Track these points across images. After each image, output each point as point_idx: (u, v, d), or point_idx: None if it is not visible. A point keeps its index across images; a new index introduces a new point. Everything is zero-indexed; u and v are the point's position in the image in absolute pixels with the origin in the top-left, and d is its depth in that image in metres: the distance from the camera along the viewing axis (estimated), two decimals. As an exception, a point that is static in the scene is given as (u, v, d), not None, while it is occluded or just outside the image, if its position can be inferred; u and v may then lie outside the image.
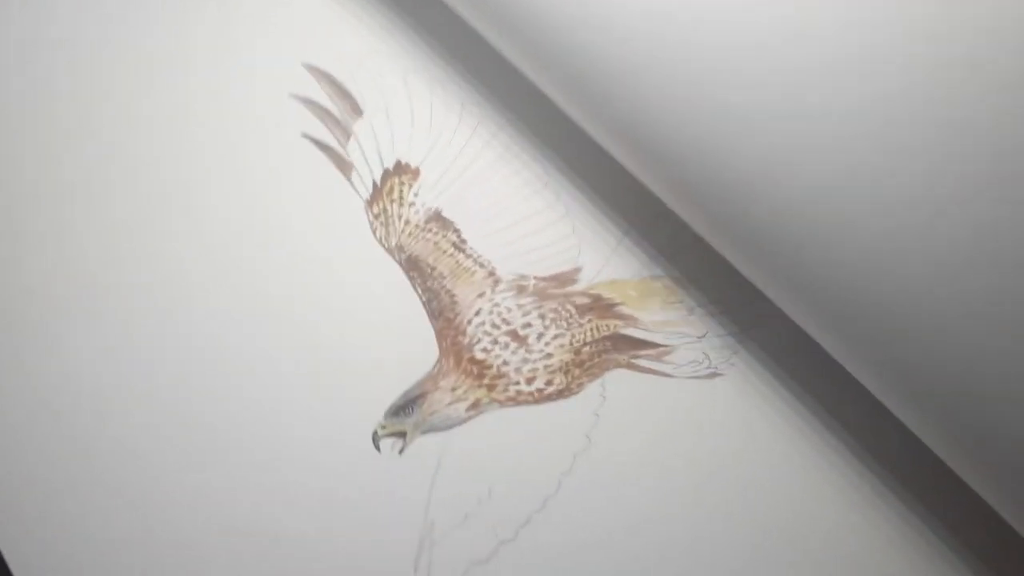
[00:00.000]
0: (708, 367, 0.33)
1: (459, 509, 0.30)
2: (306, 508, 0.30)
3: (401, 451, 0.31)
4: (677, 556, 0.30)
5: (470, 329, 0.34)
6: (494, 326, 0.34)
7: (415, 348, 0.33)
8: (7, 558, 0.26)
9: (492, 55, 0.37)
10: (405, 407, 0.32)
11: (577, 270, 0.36)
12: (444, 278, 0.35)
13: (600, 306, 0.35)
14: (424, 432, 0.32)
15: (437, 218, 0.36)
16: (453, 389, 0.33)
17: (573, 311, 0.35)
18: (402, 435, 0.32)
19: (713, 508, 0.31)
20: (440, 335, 0.34)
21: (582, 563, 0.30)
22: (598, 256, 0.36)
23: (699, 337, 0.34)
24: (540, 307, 0.35)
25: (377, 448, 0.31)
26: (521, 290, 0.35)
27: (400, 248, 0.36)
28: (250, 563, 0.29)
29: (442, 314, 0.34)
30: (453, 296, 0.35)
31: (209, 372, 0.32)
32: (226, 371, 0.32)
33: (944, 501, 0.30)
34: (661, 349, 0.34)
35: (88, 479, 0.30)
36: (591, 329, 0.34)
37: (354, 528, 0.30)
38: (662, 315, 0.35)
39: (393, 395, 0.32)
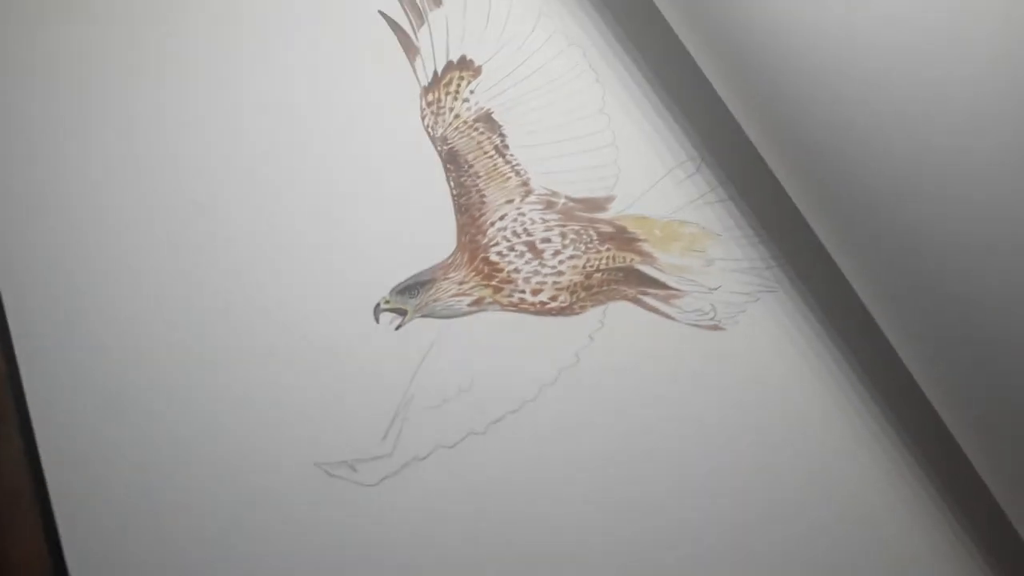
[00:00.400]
0: (712, 319, 0.34)
1: (439, 393, 0.32)
2: (300, 362, 0.32)
3: (398, 327, 0.33)
4: (634, 488, 0.31)
5: (491, 231, 0.35)
6: (514, 233, 0.35)
7: (434, 236, 0.34)
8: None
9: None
10: (412, 288, 0.33)
11: (609, 199, 0.36)
12: (479, 177, 0.36)
13: (622, 238, 0.35)
14: (423, 316, 0.33)
15: (486, 119, 0.37)
16: (461, 283, 0.34)
17: (594, 236, 0.35)
18: (403, 313, 0.33)
19: (678, 451, 0.31)
20: (461, 229, 0.35)
21: (542, 471, 0.31)
22: (633, 189, 0.36)
23: (711, 289, 0.34)
24: (564, 225, 0.35)
25: (376, 319, 0.33)
26: (549, 205, 0.35)
27: (444, 139, 0.36)
28: (230, 404, 0.31)
29: (468, 211, 0.35)
30: (483, 196, 0.35)
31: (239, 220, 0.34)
32: (253, 223, 0.34)
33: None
34: (671, 291, 0.34)
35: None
36: (608, 257, 0.34)
37: (337, 388, 0.31)
38: (681, 260, 0.35)
39: (403, 274, 0.33)
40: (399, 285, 0.33)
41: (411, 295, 0.33)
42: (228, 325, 0.32)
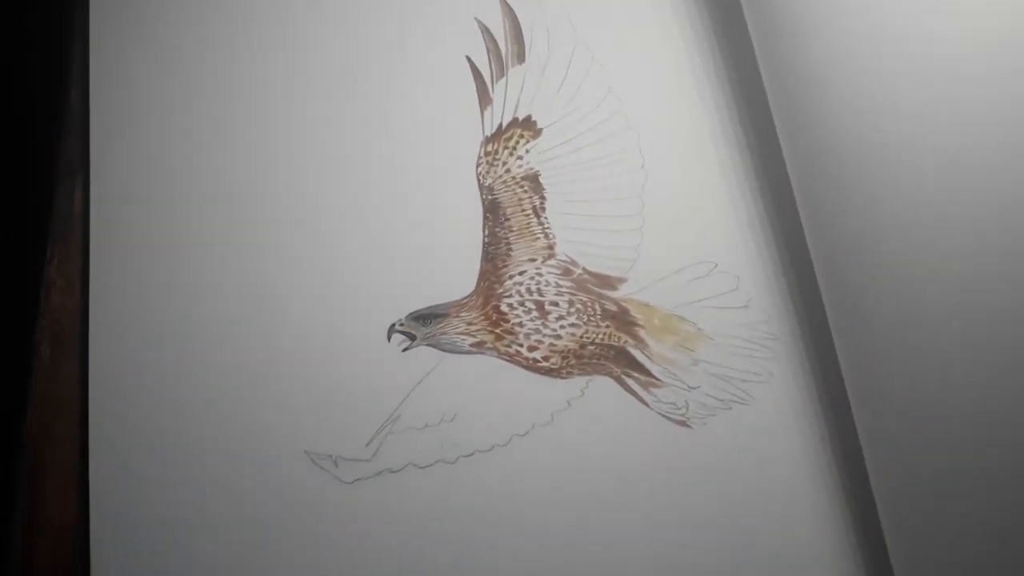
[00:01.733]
0: (683, 414, 0.37)
1: (423, 417, 0.36)
2: (311, 360, 0.36)
3: (405, 349, 0.37)
4: (568, 553, 0.34)
5: (508, 283, 0.38)
6: (528, 291, 0.38)
7: (458, 275, 0.38)
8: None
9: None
10: (427, 317, 0.37)
11: (622, 279, 0.39)
12: (511, 231, 0.39)
13: (623, 319, 0.38)
14: (429, 344, 0.37)
15: (533, 179, 0.40)
16: (469, 323, 0.37)
17: (598, 311, 0.38)
18: (412, 337, 0.37)
19: (626, 526, 0.35)
20: (483, 275, 0.38)
21: (495, 511, 0.34)
22: (647, 276, 0.39)
23: (690, 387, 0.37)
24: (574, 294, 0.39)
25: (388, 337, 0.37)
26: (566, 272, 0.39)
27: (491, 189, 0.40)
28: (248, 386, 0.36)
29: (493, 259, 0.39)
30: (510, 249, 0.39)
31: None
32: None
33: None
34: (652, 380, 0.37)
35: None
36: (605, 334, 0.38)
37: (339, 390, 0.36)
38: (670, 353, 0.38)
39: (420, 302, 0.37)
40: (416, 312, 0.37)
41: (424, 323, 0.37)
42: (255, 324, 0.36)
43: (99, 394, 0.35)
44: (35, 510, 0.32)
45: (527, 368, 0.37)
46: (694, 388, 0.37)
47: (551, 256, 0.39)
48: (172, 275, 0.37)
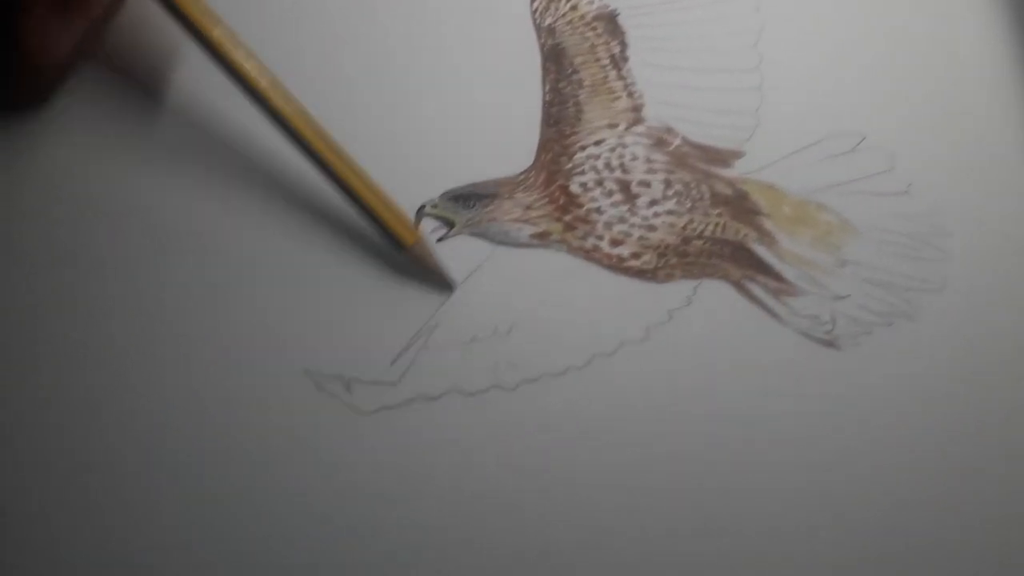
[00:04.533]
0: (828, 332, 0.35)
1: (469, 329, 0.34)
2: (312, 249, 0.34)
3: (440, 239, 0.35)
4: (680, 510, 0.32)
5: (579, 156, 0.36)
6: (608, 166, 0.36)
7: (510, 143, 0.36)
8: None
9: None
10: (468, 198, 0.35)
11: (737, 154, 0.37)
12: (581, 87, 0.38)
13: (741, 206, 0.36)
14: (473, 234, 0.35)
15: (609, 19, 0.39)
16: (528, 208, 0.35)
17: (706, 195, 0.36)
18: (449, 224, 0.35)
19: (737, 468, 0.33)
20: (544, 146, 0.36)
21: (569, 454, 0.32)
22: (770, 150, 0.37)
23: (837, 296, 0.35)
24: (671, 172, 0.37)
25: (416, 223, 0.35)
26: (660, 143, 0.37)
27: (551, 32, 0.38)
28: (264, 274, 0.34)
29: (558, 124, 0.37)
30: (580, 111, 0.37)
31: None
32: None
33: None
34: (785, 286, 0.35)
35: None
36: (716, 225, 0.36)
37: (351, 289, 0.34)
38: (807, 251, 0.36)
39: (462, 178, 0.35)
40: (453, 191, 0.35)
41: (465, 205, 0.35)
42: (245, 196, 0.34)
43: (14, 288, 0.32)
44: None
45: (610, 268, 0.35)
46: (842, 298, 0.36)
47: (637, 121, 0.37)
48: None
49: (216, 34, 0.32)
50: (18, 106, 0.34)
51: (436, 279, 0.34)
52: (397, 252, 0.34)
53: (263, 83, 0.32)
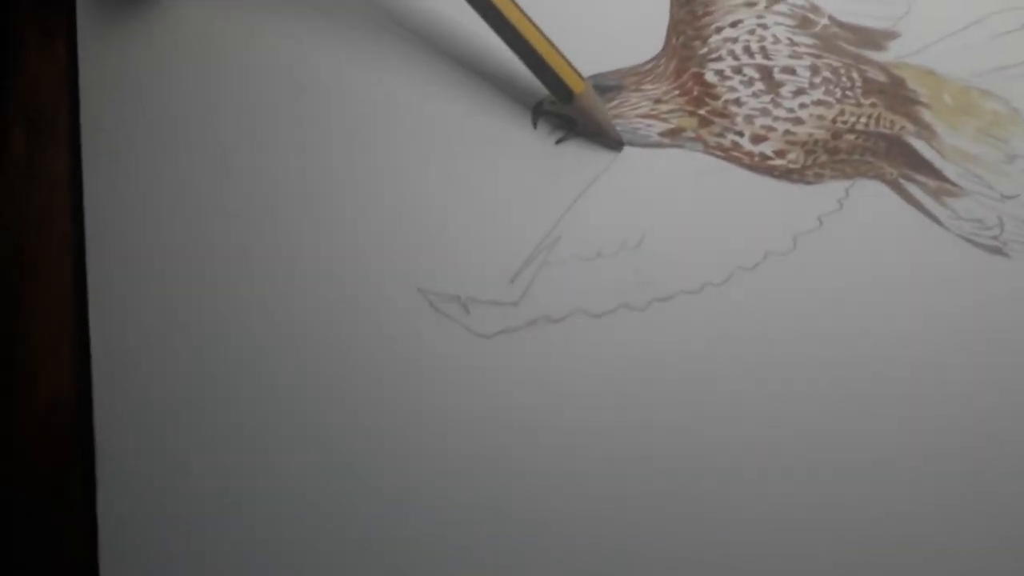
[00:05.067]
0: (995, 236, 0.31)
1: (594, 242, 0.30)
2: (426, 147, 0.31)
3: (559, 141, 0.31)
4: (823, 440, 0.29)
5: (714, 39, 0.32)
6: (747, 51, 0.32)
7: (635, 26, 0.32)
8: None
9: None
10: (589, 92, 0.31)
11: (891, 35, 0.33)
12: (715, -40, 0.33)
13: (896, 94, 0.32)
14: (596, 134, 0.31)
15: None
16: (658, 101, 0.31)
17: (858, 82, 0.32)
18: (570, 124, 0.31)
19: (900, 401, 0.29)
20: (675, 28, 0.32)
21: (708, 382, 0.29)
22: (928, 30, 0.33)
23: (1005, 197, 0.31)
24: (818, 57, 0.32)
25: (533, 123, 0.31)
26: (805, 24, 0.32)
27: None
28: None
29: (689, 3, 0.32)
30: (715, -12, 0.33)
31: None
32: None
33: None
34: (947, 186, 0.31)
35: None
36: (870, 116, 0.32)
37: (462, 199, 0.30)
38: (971, 146, 0.32)
39: (583, 68, 0.31)
40: (573, 84, 0.31)
41: (586, 101, 0.31)
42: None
43: (100, 206, 0.30)
44: (18, 370, 0.28)
45: (753, 168, 0.31)
46: (1011, 198, 0.31)
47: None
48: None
49: None
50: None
51: (602, 134, 0.31)
52: (565, 103, 0.31)
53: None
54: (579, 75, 0.30)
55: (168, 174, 0.30)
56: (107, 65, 0.31)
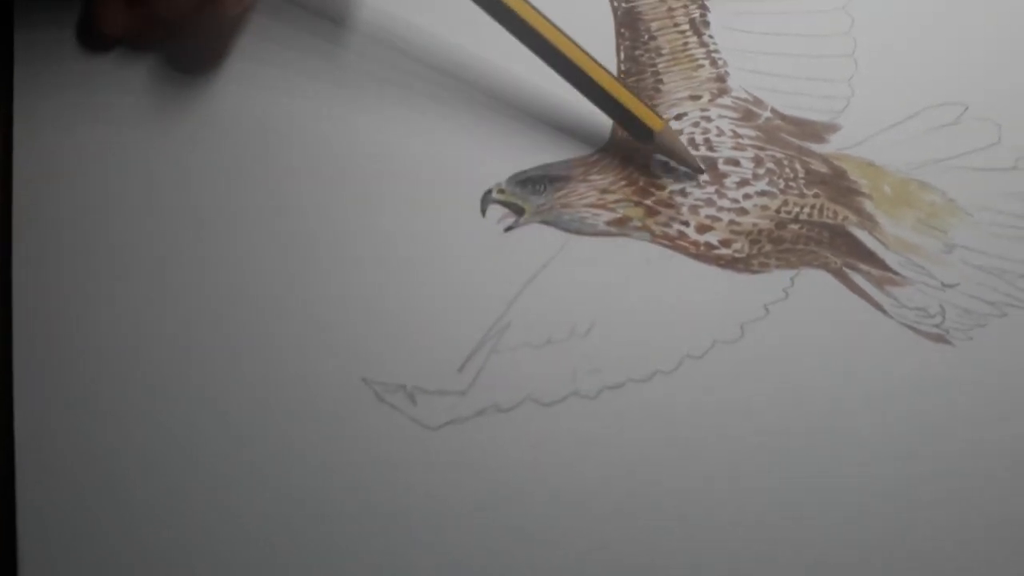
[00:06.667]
0: (937, 325, 0.31)
1: (544, 329, 0.30)
2: (367, 246, 0.30)
3: (508, 229, 0.31)
4: (756, 513, 0.28)
5: (660, 131, 0.32)
6: (692, 143, 0.32)
7: (582, 119, 0.32)
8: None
9: None
10: (537, 181, 0.31)
11: (832, 128, 0.33)
12: (660, 56, 0.33)
13: (839, 185, 0.32)
14: (544, 222, 0.31)
15: (687, -21, 0.34)
16: (604, 191, 0.31)
17: (801, 174, 0.32)
18: (518, 211, 0.31)
19: (857, 502, 0.29)
20: (621, 120, 0.32)
21: (659, 468, 0.28)
22: (868, 123, 0.33)
23: (945, 285, 0.31)
24: (762, 149, 0.32)
25: (482, 211, 0.31)
26: (748, 116, 0.33)
27: (624, -7, 0.34)
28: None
29: (635, 96, 0.32)
30: (660, 82, 0.33)
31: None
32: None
33: None
34: (890, 275, 0.31)
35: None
36: (814, 207, 0.32)
37: (410, 289, 0.30)
38: (912, 235, 0.32)
39: (530, 160, 0.31)
40: (521, 174, 0.31)
41: (535, 191, 0.31)
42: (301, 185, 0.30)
43: (31, 293, 0.28)
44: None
45: (699, 257, 0.31)
46: (950, 286, 0.31)
47: (722, 92, 0.33)
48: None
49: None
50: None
51: (684, 165, 0.32)
52: (644, 142, 0.31)
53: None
54: (657, 114, 0.31)
55: (102, 267, 0.29)
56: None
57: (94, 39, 0.32)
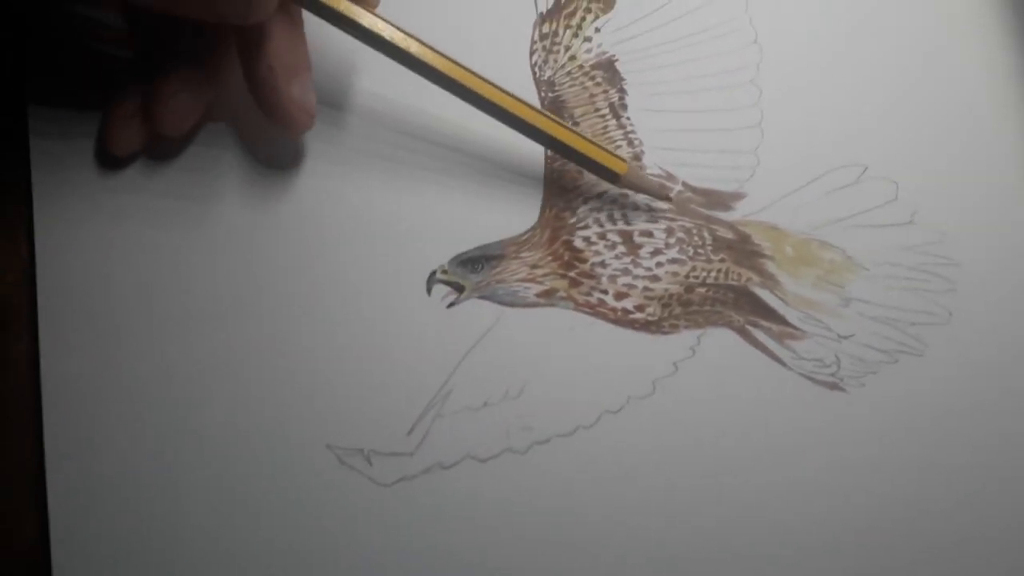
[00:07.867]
0: (833, 374, 0.34)
1: (482, 393, 0.34)
2: (328, 325, 0.34)
3: (450, 305, 0.35)
4: (682, 551, 0.32)
5: (582, 210, 0.36)
6: (610, 219, 0.36)
7: (515, 203, 0.36)
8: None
9: None
10: (476, 261, 0.35)
11: (738, 196, 0.36)
12: (582, 140, 0.37)
13: (743, 249, 0.36)
14: (481, 297, 0.35)
15: (607, 67, 0.38)
16: (533, 267, 0.35)
17: (708, 241, 0.36)
18: (459, 289, 0.35)
19: (763, 541, 0.32)
20: (547, 201, 0.36)
21: (583, 516, 0.32)
22: (771, 189, 0.36)
23: (841, 337, 0.35)
24: (673, 220, 0.36)
25: (428, 290, 0.35)
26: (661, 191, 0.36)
27: (551, 84, 0.37)
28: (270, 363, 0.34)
29: (560, 179, 0.36)
30: (583, 164, 0.36)
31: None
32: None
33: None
34: (789, 330, 0.35)
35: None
36: (720, 271, 0.35)
37: (365, 362, 0.34)
38: (811, 292, 0.35)
39: (466, 243, 0.35)
40: (462, 255, 0.35)
41: (473, 269, 0.35)
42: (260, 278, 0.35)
43: (56, 382, 0.33)
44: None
45: (616, 322, 0.35)
46: (846, 338, 0.35)
47: (639, 169, 0.37)
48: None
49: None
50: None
51: (654, 197, 0.36)
52: (613, 183, 0.35)
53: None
54: (619, 157, 0.35)
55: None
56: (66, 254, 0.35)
57: (109, 158, 0.35)
